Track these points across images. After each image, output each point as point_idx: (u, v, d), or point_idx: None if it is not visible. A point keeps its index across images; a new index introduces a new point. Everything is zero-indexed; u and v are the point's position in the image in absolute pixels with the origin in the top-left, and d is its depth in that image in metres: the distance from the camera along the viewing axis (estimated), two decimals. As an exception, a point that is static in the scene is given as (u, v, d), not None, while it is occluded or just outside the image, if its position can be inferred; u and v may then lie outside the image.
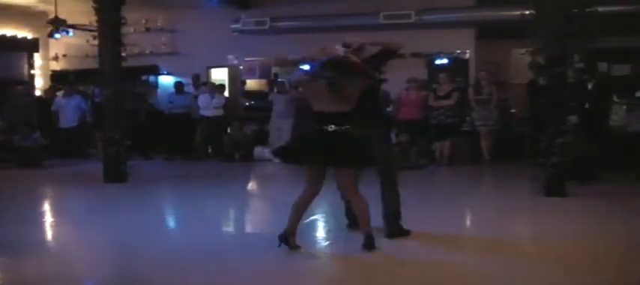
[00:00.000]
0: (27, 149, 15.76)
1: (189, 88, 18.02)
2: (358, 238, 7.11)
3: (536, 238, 8.05)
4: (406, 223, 7.69)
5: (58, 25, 17.77)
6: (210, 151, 17.39)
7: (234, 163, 16.52)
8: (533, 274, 6.23)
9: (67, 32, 18.16)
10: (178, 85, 17.71)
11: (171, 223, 9.76)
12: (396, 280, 6.17)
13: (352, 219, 7.78)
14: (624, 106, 12.58)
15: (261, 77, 19.39)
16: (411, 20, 16.43)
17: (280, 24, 17.72)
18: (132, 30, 17.32)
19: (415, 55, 17.34)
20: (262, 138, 17.35)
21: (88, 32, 15.79)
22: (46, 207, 11.24)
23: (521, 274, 6.25)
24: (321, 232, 8.21)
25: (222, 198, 11.47)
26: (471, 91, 15.37)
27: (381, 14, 16.56)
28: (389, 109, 15.40)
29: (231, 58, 18.76)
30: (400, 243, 7.34)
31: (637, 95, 12.65)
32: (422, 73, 16.84)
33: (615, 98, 12.67)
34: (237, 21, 17.98)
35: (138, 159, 15.50)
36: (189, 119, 17.22)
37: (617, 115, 12.60)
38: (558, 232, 8.12)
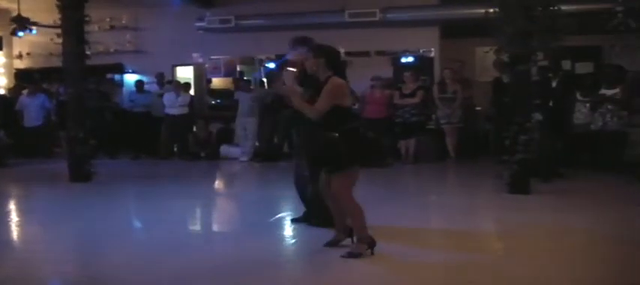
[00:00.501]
0: (-12, 149, 15.65)
1: (153, 87, 17.97)
2: (323, 235, 7.16)
3: (501, 235, 8.09)
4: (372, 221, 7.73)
5: (22, 23, 17.62)
6: (175, 149, 17.33)
7: (199, 162, 16.50)
8: (500, 271, 6.28)
9: (31, 30, 17.99)
10: (138, 84, 17.70)
11: (136, 222, 9.71)
12: (361, 279, 6.20)
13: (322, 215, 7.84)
14: (587, 104, 12.70)
15: (226, 75, 19.36)
16: (376, 18, 16.49)
17: (245, 22, 17.68)
18: (96, 28, 17.22)
19: (380, 53, 17.43)
20: (228, 136, 17.36)
21: (52, 30, 15.72)
22: (11, 206, 11.14)
23: (488, 271, 6.30)
24: (288, 230, 8.21)
25: (187, 197, 11.44)
26: (435, 89, 15.46)
27: (346, 12, 16.60)
28: (354, 107, 15.44)
29: (196, 57, 18.70)
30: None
31: (601, 92, 12.74)
32: (387, 72, 16.89)
33: (578, 96, 12.79)
34: (202, 19, 17.92)
35: (103, 158, 15.47)
36: (151, 117, 17.20)
37: (580, 113, 12.72)
38: (523, 228, 8.20)
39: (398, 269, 6.40)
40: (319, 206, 7.79)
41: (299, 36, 8.14)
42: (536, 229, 8.21)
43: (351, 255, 6.59)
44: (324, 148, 6.55)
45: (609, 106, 12.45)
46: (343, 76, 6.79)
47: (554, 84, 12.45)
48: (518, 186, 10.34)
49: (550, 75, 12.46)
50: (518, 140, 10.22)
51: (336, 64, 6.79)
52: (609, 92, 12.58)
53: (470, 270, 6.33)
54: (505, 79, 11.05)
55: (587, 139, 12.73)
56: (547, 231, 8.10)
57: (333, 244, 6.94)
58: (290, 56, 8.01)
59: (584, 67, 16.04)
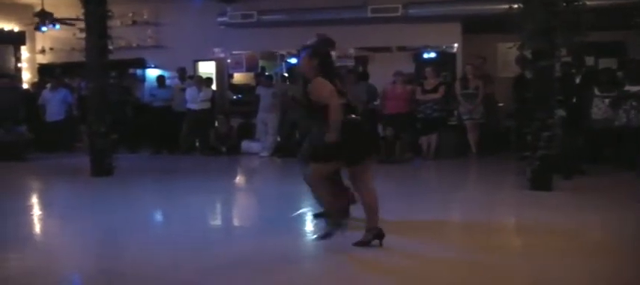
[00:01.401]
0: (10, 143, 15.70)
1: (175, 82, 18.00)
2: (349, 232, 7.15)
3: (522, 232, 8.06)
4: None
5: (45, 18, 17.69)
6: (196, 144, 17.36)
7: (220, 157, 16.51)
8: (520, 268, 6.25)
9: (54, 25, 18.07)
10: (160, 79, 17.74)
11: (157, 216, 9.74)
12: (382, 277, 6.18)
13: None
14: (606, 100, 12.57)
15: (248, 71, 19.39)
16: (398, 14, 16.41)
17: (267, 17, 17.66)
18: (118, 23, 17.28)
19: (402, 48, 17.38)
20: (249, 132, 17.37)
21: (74, 25, 15.81)
22: (32, 200, 11.23)
23: (509, 268, 6.27)
24: (309, 226, 8.20)
25: (208, 192, 11.45)
26: (457, 85, 15.36)
27: (369, 8, 16.55)
28: (376, 103, 15.44)
29: (218, 52, 18.71)
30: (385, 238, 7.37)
31: (625, 88, 12.61)
32: (409, 67, 16.86)
33: (596, 91, 12.65)
34: (223, 14, 17.92)
35: (124, 152, 15.51)
36: (172, 112, 17.25)
37: (598, 109, 12.59)
38: (543, 226, 8.13)
39: (416, 266, 6.37)
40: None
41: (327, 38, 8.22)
42: (556, 226, 8.12)
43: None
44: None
45: (634, 103, 12.34)
46: (331, 79, 6.99)
47: (577, 80, 12.37)
48: (540, 182, 10.28)
49: (573, 71, 12.38)
50: (540, 136, 10.16)
51: (327, 68, 7.09)
52: (634, 88, 12.46)
53: (488, 267, 6.30)
54: (528, 75, 10.96)
55: (610, 135, 12.64)
56: (567, 229, 8.01)
57: (361, 244, 6.95)
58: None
59: (607, 63, 15.89)
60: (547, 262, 6.39)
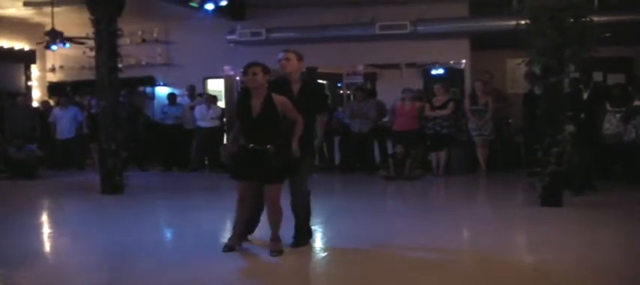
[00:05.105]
0: (21, 161, 15.77)
1: (185, 99, 18.04)
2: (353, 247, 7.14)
3: (533, 250, 8.02)
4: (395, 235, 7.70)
5: (55, 36, 17.76)
6: (206, 162, 17.39)
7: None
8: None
9: (64, 44, 18.15)
10: (171, 97, 17.81)
11: (167, 234, 9.74)
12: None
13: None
14: (617, 115, 12.56)
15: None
16: (407, 31, 16.43)
17: (276, 35, 17.68)
18: (128, 41, 17.36)
19: (410, 65, 17.39)
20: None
21: (85, 44, 15.87)
22: (43, 218, 11.25)
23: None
24: (318, 243, 8.20)
25: (217, 209, 11.44)
26: (466, 101, 15.35)
27: (377, 25, 16.58)
28: (385, 119, 15.46)
29: (227, 69, 18.74)
30: (392, 255, 7.35)
31: (635, 104, 12.59)
32: (417, 84, 16.86)
33: (608, 107, 12.65)
34: (233, 32, 17.96)
35: (134, 170, 15.54)
36: (182, 130, 17.29)
37: (610, 124, 12.58)
38: (556, 243, 8.11)
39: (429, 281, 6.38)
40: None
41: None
42: (569, 242, 8.12)
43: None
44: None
45: (644, 117, 12.34)
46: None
47: (585, 96, 12.37)
48: (551, 199, 10.25)
49: (581, 86, 12.39)
50: (550, 152, 10.15)
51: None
52: (644, 103, 12.47)
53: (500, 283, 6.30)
54: (536, 91, 10.95)
55: (620, 150, 12.62)
56: (581, 244, 8.01)
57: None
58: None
59: (615, 79, 15.88)
60: (558, 278, 6.39)
